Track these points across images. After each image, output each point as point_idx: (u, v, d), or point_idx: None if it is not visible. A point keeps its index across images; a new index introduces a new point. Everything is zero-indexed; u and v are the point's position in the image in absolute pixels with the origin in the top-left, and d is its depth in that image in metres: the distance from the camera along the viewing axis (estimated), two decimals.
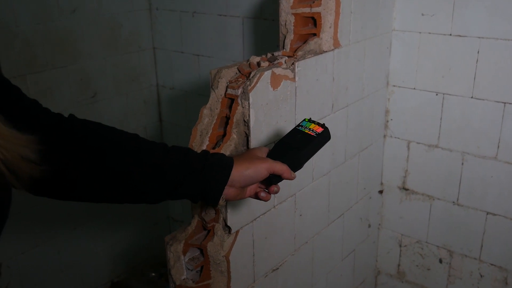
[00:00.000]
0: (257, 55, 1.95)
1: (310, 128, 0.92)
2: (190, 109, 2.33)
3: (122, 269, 2.49)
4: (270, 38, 1.90)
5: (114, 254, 2.42)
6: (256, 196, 0.90)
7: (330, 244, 1.56)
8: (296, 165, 0.90)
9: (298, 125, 0.94)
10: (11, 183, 0.49)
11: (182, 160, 0.81)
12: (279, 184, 0.90)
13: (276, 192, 0.90)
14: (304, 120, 0.94)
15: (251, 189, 0.89)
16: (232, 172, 0.82)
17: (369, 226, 1.77)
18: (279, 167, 0.85)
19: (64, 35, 2.00)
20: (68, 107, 2.00)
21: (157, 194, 0.81)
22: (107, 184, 0.76)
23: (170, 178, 0.80)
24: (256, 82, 1.09)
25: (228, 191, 0.84)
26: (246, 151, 0.92)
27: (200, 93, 2.25)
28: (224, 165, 0.83)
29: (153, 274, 2.56)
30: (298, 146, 0.90)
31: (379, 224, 1.82)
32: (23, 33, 1.86)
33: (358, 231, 1.72)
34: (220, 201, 0.84)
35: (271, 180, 0.88)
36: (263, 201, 0.93)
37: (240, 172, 0.83)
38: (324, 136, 0.92)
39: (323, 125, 0.93)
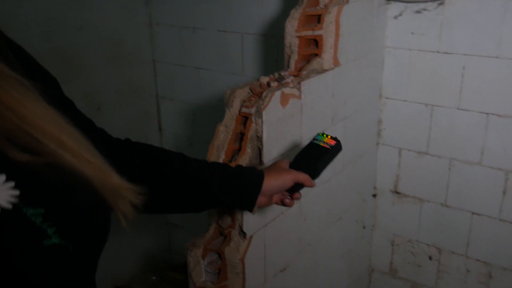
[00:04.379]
0: (255, 69, 2.09)
1: (324, 141, 1.04)
2: (189, 119, 2.44)
3: (125, 273, 2.58)
4: (268, 53, 2.02)
5: (116, 259, 2.51)
6: (282, 203, 1.02)
7: (329, 245, 1.68)
8: (314, 175, 1.02)
9: (314, 139, 1.05)
10: (122, 224, 0.59)
11: (223, 175, 0.93)
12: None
13: (299, 199, 1.02)
14: (319, 134, 1.06)
15: (277, 197, 1.02)
16: (263, 182, 0.94)
17: (364, 227, 1.90)
18: (302, 177, 0.98)
19: (71, 51, 2.09)
20: None
21: (203, 204, 0.94)
22: (176, 202, 0.89)
23: (214, 191, 0.92)
24: (269, 102, 1.21)
25: (260, 199, 0.96)
26: (272, 164, 1.04)
27: (199, 104, 2.36)
28: (256, 177, 0.95)
29: (154, 278, 2.65)
30: (316, 157, 1.02)
31: (373, 225, 1.95)
32: (33, 50, 1.94)
33: (354, 232, 1.84)
34: (254, 208, 0.96)
35: (295, 188, 1.00)
36: (283, 207, 1.05)
37: (270, 182, 0.95)
38: (337, 148, 1.04)
39: (335, 138, 1.05)
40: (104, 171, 0.55)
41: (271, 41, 1.99)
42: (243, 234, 1.24)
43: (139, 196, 0.59)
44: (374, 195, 1.90)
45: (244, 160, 1.22)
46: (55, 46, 2.03)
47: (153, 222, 2.65)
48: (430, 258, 1.85)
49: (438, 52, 1.61)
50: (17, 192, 0.48)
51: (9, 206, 0.47)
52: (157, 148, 0.93)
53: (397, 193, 1.85)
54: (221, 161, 1.24)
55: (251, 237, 1.26)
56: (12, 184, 0.48)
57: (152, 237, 2.65)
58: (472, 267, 1.76)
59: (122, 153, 0.86)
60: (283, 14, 1.90)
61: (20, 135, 0.49)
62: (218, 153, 1.25)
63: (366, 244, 1.96)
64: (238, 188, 0.93)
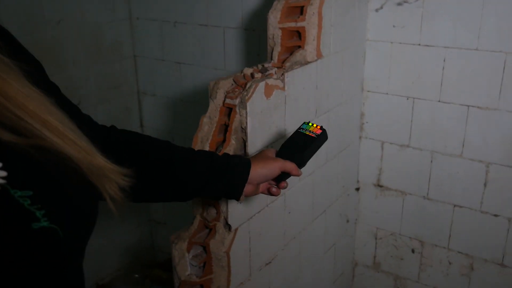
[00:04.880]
0: (237, 63, 2.08)
1: (310, 130, 1.03)
2: (171, 114, 2.42)
3: (107, 272, 2.55)
4: (250, 47, 2.01)
5: (98, 257, 2.48)
6: (268, 192, 1.01)
7: (314, 239, 1.68)
8: (301, 163, 1.01)
9: (300, 128, 1.05)
10: (110, 208, 0.58)
11: (209, 162, 0.92)
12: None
13: (285, 187, 1.01)
14: (304, 123, 1.06)
15: (263, 186, 1.01)
16: (250, 171, 0.93)
17: (347, 221, 1.90)
18: (289, 166, 0.97)
19: (50, 45, 2.05)
20: None
21: (190, 192, 0.92)
22: (163, 189, 0.88)
23: (200, 178, 0.90)
24: (253, 93, 1.20)
25: (246, 188, 0.95)
26: (258, 153, 1.03)
27: (181, 99, 2.34)
28: (243, 165, 0.93)
29: (137, 275, 2.62)
30: (302, 146, 1.01)
31: (356, 219, 1.96)
32: None
33: (338, 226, 1.85)
34: (241, 197, 0.95)
35: (282, 177, 0.99)
36: (268, 199, 1.04)
37: (257, 171, 0.94)
38: (323, 137, 1.03)
39: (321, 127, 1.04)
40: (89, 152, 0.54)
41: (253, 35, 1.98)
42: (228, 226, 1.23)
43: (125, 178, 0.58)
44: (357, 189, 1.91)
45: (228, 151, 1.21)
46: (34, 40, 1.99)
47: (136, 219, 2.62)
48: (413, 251, 1.86)
49: (419, 44, 1.62)
50: (4, 174, 0.47)
51: None
52: (143, 135, 0.92)
53: (380, 186, 1.86)
54: None
55: (236, 230, 1.25)
56: None
57: (134, 234, 2.62)
58: (454, 260, 1.78)
59: (108, 140, 0.85)
60: (265, 8, 1.90)
61: (6, 115, 0.48)
62: (202, 144, 1.24)
63: (349, 238, 1.96)
64: (225, 176, 0.92)
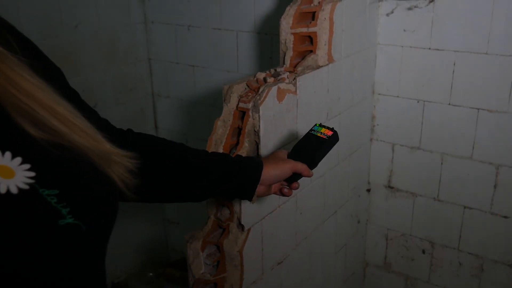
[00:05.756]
0: (250, 65, 2.12)
1: (321, 132, 1.06)
2: (184, 115, 2.47)
3: (122, 270, 2.61)
4: (262, 50, 2.05)
5: (114, 256, 2.53)
6: (280, 192, 1.05)
7: (325, 239, 1.71)
8: (312, 164, 1.04)
9: (311, 130, 1.08)
10: (123, 193, 0.62)
11: (222, 163, 0.95)
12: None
13: (297, 188, 1.04)
14: (316, 125, 1.09)
15: (275, 186, 1.04)
16: (262, 172, 0.97)
17: (358, 222, 1.93)
18: (300, 167, 1.00)
19: (67, 49, 2.11)
20: None
21: (203, 193, 0.96)
22: (177, 189, 0.92)
23: (214, 178, 0.94)
24: (265, 97, 1.24)
25: (259, 189, 0.99)
26: (270, 154, 1.07)
27: (195, 101, 2.38)
28: (256, 166, 0.97)
29: (151, 274, 2.67)
30: (313, 148, 1.04)
31: (367, 220, 1.99)
32: None
33: (349, 226, 1.88)
34: (254, 197, 0.99)
35: (293, 178, 1.03)
36: (280, 200, 1.08)
37: (269, 172, 0.97)
38: (334, 138, 1.06)
39: (332, 129, 1.07)
40: (97, 139, 0.59)
41: (266, 39, 2.02)
42: (241, 226, 1.26)
43: (131, 160, 0.63)
44: (368, 190, 1.94)
45: (241, 154, 1.24)
46: (52, 44, 2.04)
47: (150, 219, 2.67)
48: (423, 251, 1.88)
49: (429, 48, 1.64)
50: (33, 174, 0.51)
51: (26, 187, 0.50)
52: (159, 138, 0.96)
53: (391, 187, 1.89)
54: None
55: (249, 230, 1.29)
56: (27, 166, 0.51)
57: (149, 234, 2.67)
58: (464, 260, 1.80)
59: (125, 143, 0.89)
60: (277, 12, 1.93)
61: (22, 107, 0.52)
62: (216, 147, 1.27)
63: (360, 238, 1.99)
64: (237, 176, 0.96)
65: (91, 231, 0.54)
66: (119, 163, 0.61)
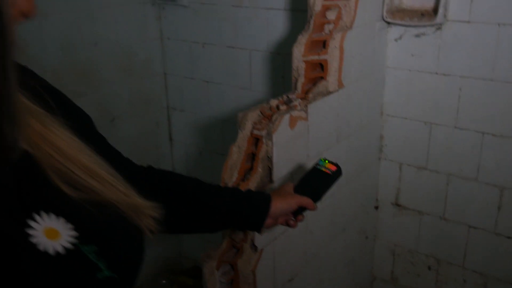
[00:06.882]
0: (263, 83, 2.18)
1: (326, 167, 1.14)
2: (198, 129, 2.54)
3: None
4: (275, 69, 2.11)
5: None
6: (286, 224, 1.12)
7: (333, 255, 1.77)
8: (316, 198, 1.12)
9: (316, 164, 1.15)
10: (149, 238, 0.69)
11: (234, 199, 1.03)
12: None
13: (302, 220, 1.12)
14: (321, 159, 1.16)
15: (282, 218, 1.11)
16: (270, 206, 1.04)
17: (366, 237, 1.99)
18: (306, 201, 1.08)
19: (87, 65, 2.19)
20: None
21: (216, 226, 1.05)
22: (193, 222, 0.99)
23: (225, 213, 1.02)
24: (278, 125, 1.30)
25: (267, 221, 1.06)
26: (278, 188, 1.14)
27: (208, 115, 2.45)
28: (264, 201, 1.05)
29: (164, 281, 2.75)
30: (318, 182, 1.12)
31: (375, 236, 2.05)
32: (52, 65, 2.05)
33: (357, 242, 1.94)
34: (262, 229, 1.06)
35: (299, 211, 1.10)
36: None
37: (277, 206, 1.05)
38: (337, 173, 1.14)
39: (336, 164, 1.14)
40: (128, 194, 0.65)
41: (278, 58, 2.09)
42: (254, 247, 1.33)
43: (157, 210, 0.69)
44: (376, 207, 2.00)
45: (255, 178, 1.31)
46: (72, 61, 2.12)
47: None
48: (429, 268, 1.94)
49: (436, 73, 1.70)
50: (76, 234, 0.57)
51: (71, 247, 0.56)
52: (175, 174, 1.03)
53: (398, 205, 1.94)
54: (234, 179, 1.33)
55: (261, 250, 1.36)
56: (71, 226, 0.57)
57: (162, 242, 2.75)
58: (469, 278, 1.85)
59: (145, 179, 0.96)
60: (289, 34, 2.00)
61: (62, 169, 0.58)
62: (231, 172, 1.34)
63: (368, 254, 2.05)
64: (247, 211, 1.04)
65: (125, 280, 0.61)
66: (147, 215, 0.67)
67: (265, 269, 1.39)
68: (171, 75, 2.52)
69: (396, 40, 1.73)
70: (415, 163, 1.85)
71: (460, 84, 1.66)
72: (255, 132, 1.32)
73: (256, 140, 1.34)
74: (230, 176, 1.34)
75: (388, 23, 1.71)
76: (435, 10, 1.61)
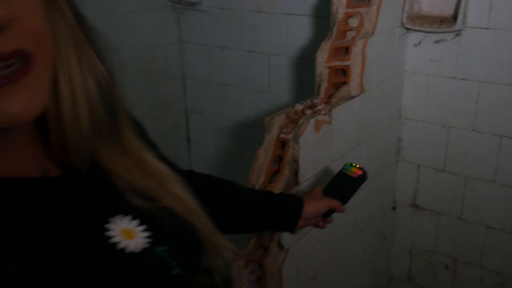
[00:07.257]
0: (282, 87, 2.23)
1: (352, 171, 1.20)
2: (216, 131, 2.59)
3: None
4: (294, 73, 2.16)
5: None
6: (316, 225, 1.17)
7: (353, 254, 1.82)
8: (344, 201, 1.17)
9: (343, 168, 1.21)
10: (216, 280, 0.74)
11: (269, 202, 1.08)
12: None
13: (331, 222, 1.17)
14: (347, 164, 1.21)
15: (312, 220, 1.16)
16: (303, 209, 1.09)
17: (384, 237, 2.04)
18: (335, 204, 1.13)
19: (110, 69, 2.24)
20: None
21: (252, 227, 1.10)
22: (231, 224, 1.05)
23: (261, 215, 1.07)
24: (304, 129, 1.35)
25: (299, 223, 1.11)
26: (308, 192, 1.19)
27: (226, 117, 2.50)
28: (297, 204, 1.10)
29: None
30: (345, 186, 1.17)
31: (393, 236, 2.09)
32: None
33: (375, 242, 1.98)
34: (295, 230, 1.11)
35: (328, 213, 1.15)
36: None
37: (308, 209, 1.11)
38: (363, 177, 1.20)
39: (362, 168, 1.20)
40: (213, 231, 0.70)
41: (297, 62, 2.13)
42: (281, 246, 1.38)
43: (229, 252, 0.74)
44: (394, 208, 2.04)
45: (282, 181, 1.36)
46: None
47: None
48: (446, 267, 1.98)
49: (454, 78, 1.74)
50: (149, 234, 0.62)
51: (146, 246, 0.61)
52: (214, 178, 1.08)
53: (415, 206, 1.99)
54: (261, 181, 1.38)
55: (287, 249, 1.41)
56: (144, 227, 0.62)
57: None
58: (486, 277, 1.89)
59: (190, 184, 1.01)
60: (310, 39, 2.05)
61: (145, 186, 0.64)
62: (258, 174, 1.39)
63: (386, 253, 2.09)
64: (283, 213, 1.09)
65: (190, 276, 0.66)
66: (220, 256, 0.72)
67: (290, 267, 1.44)
68: (190, 78, 2.57)
69: (415, 45, 1.78)
70: (433, 165, 1.89)
71: (478, 88, 1.70)
72: (282, 135, 1.37)
73: (282, 144, 1.39)
74: (257, 178, 1.38)
75: (408, 29, 1.75)
76: (454, 17, 1.66)
